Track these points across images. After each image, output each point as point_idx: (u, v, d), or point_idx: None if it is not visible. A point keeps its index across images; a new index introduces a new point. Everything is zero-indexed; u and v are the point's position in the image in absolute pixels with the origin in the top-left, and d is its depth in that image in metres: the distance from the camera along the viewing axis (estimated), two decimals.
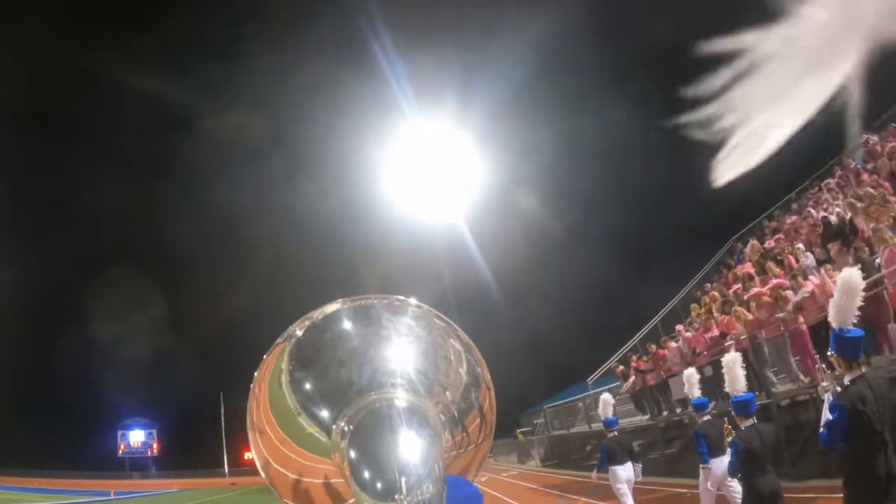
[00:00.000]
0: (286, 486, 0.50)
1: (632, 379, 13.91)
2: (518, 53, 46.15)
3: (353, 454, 0.44)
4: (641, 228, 49.63)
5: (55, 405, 52.67)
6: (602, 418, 8.95)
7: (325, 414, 0.48)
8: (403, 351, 0.52)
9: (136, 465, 57.50)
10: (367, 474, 0.43)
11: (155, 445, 59.14)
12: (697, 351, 11.57)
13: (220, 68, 51.54)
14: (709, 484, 6.87)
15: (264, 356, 0.53)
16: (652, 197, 46.52)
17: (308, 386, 0.49)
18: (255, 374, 0.53)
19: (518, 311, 52.94)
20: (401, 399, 0.48)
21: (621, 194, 49.18)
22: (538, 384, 56.36)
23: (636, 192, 48.17)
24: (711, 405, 7.58)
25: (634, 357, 14.73)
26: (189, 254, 61.32)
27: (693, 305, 15.23)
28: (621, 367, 15.37)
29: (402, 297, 0.57)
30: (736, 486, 6.35)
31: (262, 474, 0.52)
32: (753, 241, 16.09)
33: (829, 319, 3.98)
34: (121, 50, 51.63)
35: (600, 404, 9.15)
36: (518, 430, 26.81)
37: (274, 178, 54.05)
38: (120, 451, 57.94)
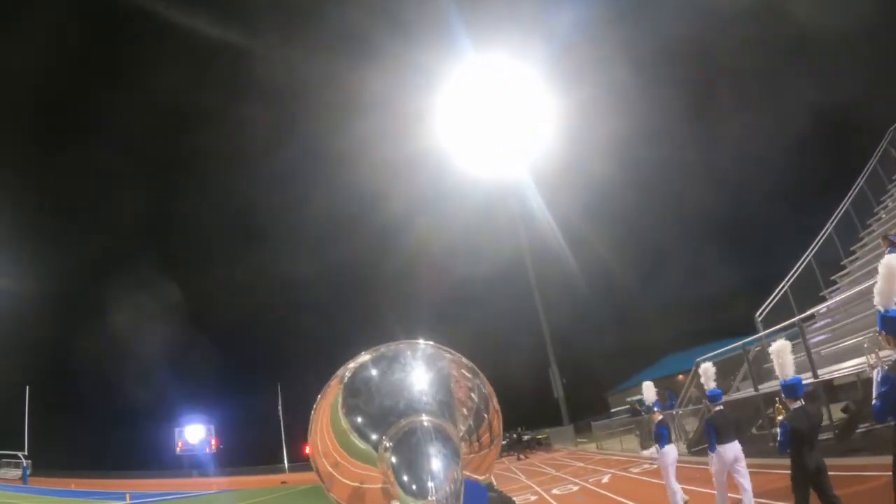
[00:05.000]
0: (344, 489, 0.67)
1: None
2: None
3: (395, 463, 0.60)
4: (750, 167, 41.30)
5: (111, 405, 50.74)
6: (646, 402, 10.08)
7: (373, 434, 0.65)
8: (427, 383, 0.68)
9: (194, 463, 54.14)
10: (405, 478, 0.59)
11: (213, 442, 55.66)
12: None
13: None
14: (714, 469, 7.43)
15: (323, 389, 0.69)
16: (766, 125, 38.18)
17: (359, 412, 0.66)
18: (319, 398, 0.68)
19: (597, 283, 45.77)
20: (427, 421, 0.64)
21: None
22: (627, 359, 48.94)
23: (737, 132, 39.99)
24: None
25: None
26: (240, 248, 58.09)
27: None
28: None
29: (418, 341, 0.72)
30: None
31: (323, 481, 0.68)
32: None
33: (875, 303, 4.16)
34: (136, 45, 48.65)
35: (643, 389, 10.02)
36: (636, 403, 19.31)
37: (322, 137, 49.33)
38: (178, 449, 54.81)
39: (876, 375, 4.07)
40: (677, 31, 39.03)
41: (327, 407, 0.68)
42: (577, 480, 15.25)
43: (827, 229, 14.55)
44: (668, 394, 20.73)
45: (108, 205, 56.81)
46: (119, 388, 51.37)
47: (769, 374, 12.52)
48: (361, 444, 0.65)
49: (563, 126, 41.80)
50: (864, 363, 7.58)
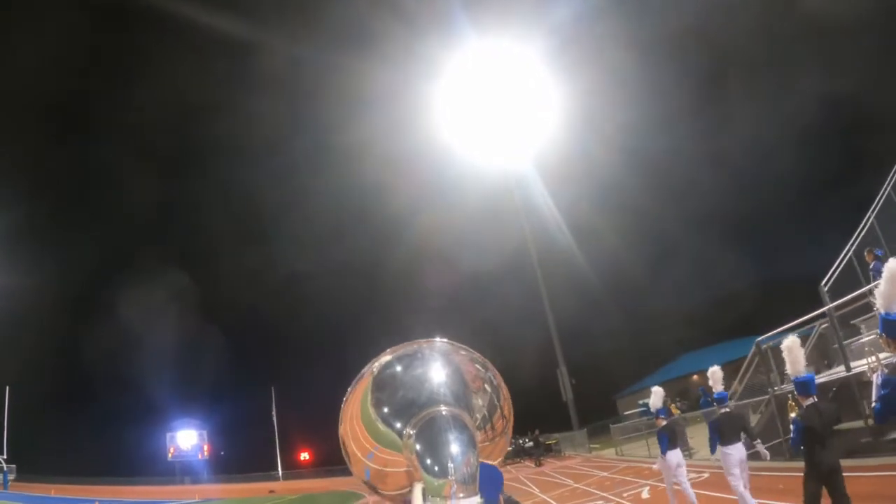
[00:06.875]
0: (371, 472, 0.75)
1: None
2: None
3: (418, 448, 0.69)
4: (769, 155, 39.35)
5: (102, 409, 49.04)
6: (652, 409, 9.40)
7: (397, 423, 0.73)
8: (445, 377, 0.76)
9: (186, 469, 51.93)
10: (428, 461, 0.67)
11: (205, 448, 53.46)
12: None
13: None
14: (735, 469, 7.23)
15: (354, 382, 0.77)
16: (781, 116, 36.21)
17: (385, 404, 0.74)
18: (350, 390, 0.77)
19: (606, 279, 43.80)
20: (446, 411, 0.72)
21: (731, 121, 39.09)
22: (638, 360, 46.79)
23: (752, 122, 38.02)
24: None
25: None
26: (232, 249, 56.30)
27: None
28: None
29: (434, 339, 0.80)
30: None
31: (351, 464, 0.77)
32: None
33: (877, 306, 4.06)
34: (141, 40, 47.34)
35: (652, 395, 9.49)
36: (672, 404, 16.84)
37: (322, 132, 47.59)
38: (169, 455, 52.57)
39: (876, 379, 4.13)
40: (685, 16, 37.15)
41: (358, 398, 0.76)
42: (607, 495, 12.57)
43: (885, 190, 12.48)
44: (702, 390, 18.75)
45: (103, 203, 55.13)
46: (110, 391, 49.69)
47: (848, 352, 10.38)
48: (387, 432, 0.73)
49: (567, 115, 39.80)
50: None
